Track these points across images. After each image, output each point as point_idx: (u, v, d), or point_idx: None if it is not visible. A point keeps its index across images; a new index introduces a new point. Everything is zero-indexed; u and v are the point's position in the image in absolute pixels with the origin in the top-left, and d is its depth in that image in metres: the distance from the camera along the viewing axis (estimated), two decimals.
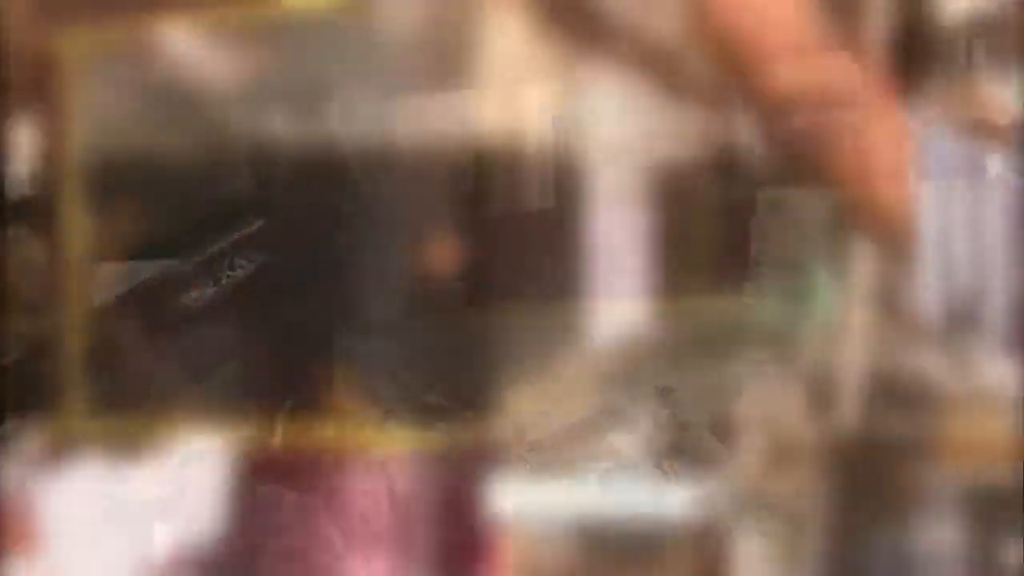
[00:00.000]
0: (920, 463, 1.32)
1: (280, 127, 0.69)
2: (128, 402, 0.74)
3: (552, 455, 0.75)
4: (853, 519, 0.92)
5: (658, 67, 1.11)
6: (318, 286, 0.69)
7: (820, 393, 1.42)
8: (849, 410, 1.26)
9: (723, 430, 0.87)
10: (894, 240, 0.70)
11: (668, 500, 0.80)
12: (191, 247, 0.73)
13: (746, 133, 1.35)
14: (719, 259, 1.49)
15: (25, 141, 0.76)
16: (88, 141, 0.75)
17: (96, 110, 0.75)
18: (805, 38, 0.65)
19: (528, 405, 0.75)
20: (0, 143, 0.78)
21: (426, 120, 0.66)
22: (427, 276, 0.67)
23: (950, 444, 1.30)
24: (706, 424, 0.93)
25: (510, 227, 0.75)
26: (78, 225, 0.75)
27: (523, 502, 0.70)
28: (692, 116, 1.31)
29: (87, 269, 0.75)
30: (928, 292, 0.68)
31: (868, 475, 1.26)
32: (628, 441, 0.85)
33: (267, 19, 0.69)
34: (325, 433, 0.68)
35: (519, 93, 0.76)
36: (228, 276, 0.71)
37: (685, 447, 0.88)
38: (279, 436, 0.70)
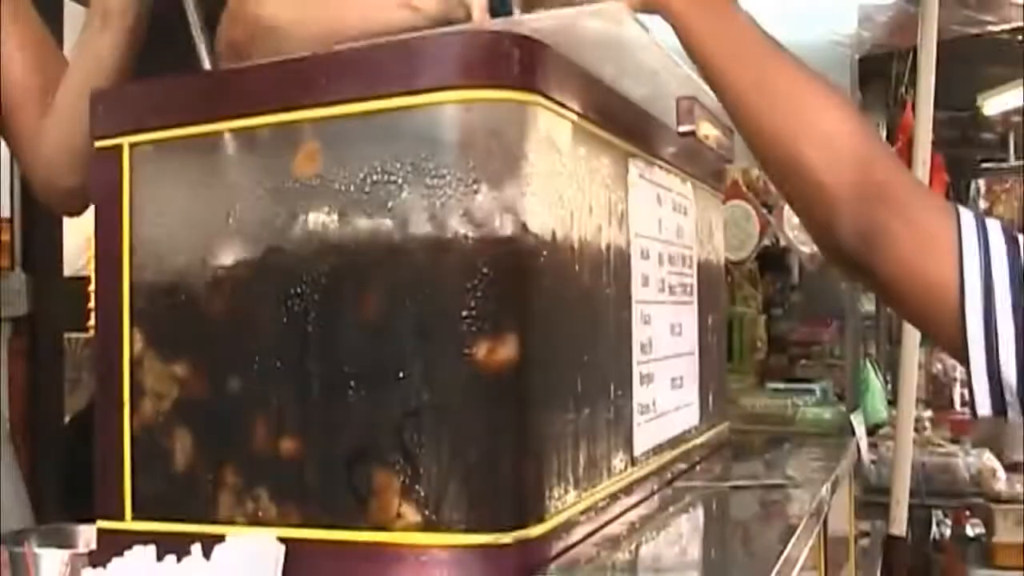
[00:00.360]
0: (971, 562, 1.29)
1: (334, 224, 0.70)
2: (176, 501, 0.74)
3: (595, 554, 0.74)
4: None
5: (708, 167, 1.12)
6: (368, 383, 0.68)
7: (872, 490, 1.39)
8: (900, 507, 1.25)
9: (773, 529, 0.85)
10: (944, 333, 0.69)
11: None
12: (242, 342, 0.73)
13: (795, 232, 1.35)
14: (769, 356, 1.48)
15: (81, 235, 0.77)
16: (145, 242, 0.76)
17: (153, 209, 0.76)
18: (868, 166, 0.67)
19: (574, 504, 0.74)
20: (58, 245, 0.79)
21: (481, 217, 0.67)
22: (480, 372, 0.67)
23: (1001, 543, 1.27)
24: (755, 523, 0.91)
25: (560, 323, 0.75)
26: (132, 330, 0.76)
27: None
28: (742, 215, 1.32)
29: (143, 372, 0.75)
30: (979, 387, 0.67)
31: (919, 573, 1.22)
32: (671, 541, 0.84)
33: (320, 120, 0.71)
34: (370, 530, 0.68)
35: (569, 190, 0.77)
36: (277, 371, 0.71)
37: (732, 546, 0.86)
38: (324, 533, 0.69)
